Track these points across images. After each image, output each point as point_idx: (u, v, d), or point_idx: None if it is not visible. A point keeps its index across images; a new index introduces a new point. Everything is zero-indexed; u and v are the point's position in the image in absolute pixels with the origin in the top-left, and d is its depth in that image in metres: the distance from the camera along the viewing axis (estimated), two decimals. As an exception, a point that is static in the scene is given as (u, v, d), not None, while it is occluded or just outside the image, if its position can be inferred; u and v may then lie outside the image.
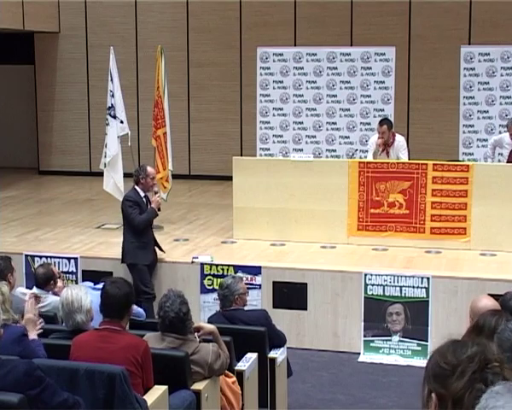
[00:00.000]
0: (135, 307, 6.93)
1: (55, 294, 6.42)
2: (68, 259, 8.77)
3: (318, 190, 9.20)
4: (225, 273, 8.32)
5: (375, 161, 9.43)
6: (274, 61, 11.80)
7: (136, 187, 8.46)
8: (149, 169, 8.58)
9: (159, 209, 8.60)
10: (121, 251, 8.40)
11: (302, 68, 11.71)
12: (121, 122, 10.41)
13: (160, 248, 8.65)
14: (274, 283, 8.31)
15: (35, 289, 6.48)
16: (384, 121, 10.01)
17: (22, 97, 15.84)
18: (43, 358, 4.74)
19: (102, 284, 6.58)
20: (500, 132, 10.67)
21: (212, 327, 5.42)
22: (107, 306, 4.84)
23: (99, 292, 6.29)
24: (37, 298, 5.57)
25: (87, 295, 5.18)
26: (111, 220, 10.48)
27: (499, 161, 10.28)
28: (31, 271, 8.39)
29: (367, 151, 10.27)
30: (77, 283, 8.30)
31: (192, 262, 8.57)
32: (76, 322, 5.04)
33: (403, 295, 7.98)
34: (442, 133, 12.97)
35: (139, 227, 8.25)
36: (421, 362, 7.84)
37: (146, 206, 8.42)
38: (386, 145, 9.89)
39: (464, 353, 2.12)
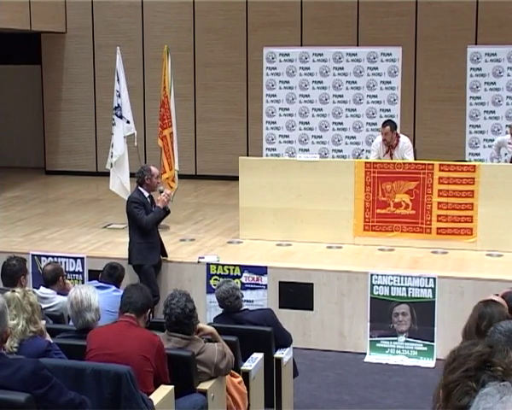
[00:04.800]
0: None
1: (63, 294, 6.44)
2: (75, 259, 8.78)
3: (324, 191, 9.20)
4: (231, 273, 8.34)
5: (381, 162, 9.42)
6: (280, 61, 11.81)
7: (139, 188, 8.46)
8: (153, 169, 8.59)
9: (168, 211, 8.59)
10: (128, 252, 8.41)
11: (308, 68, 11.71)
12: (127, 122, 10.43)
13: (164, 253, 8.64)
14: (280, 283, 8.31)
15: (42, 289, 6.51)
16: (387, 122, 10.01)
17: (29, 97, 15.88)
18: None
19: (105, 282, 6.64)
20: (507, 133, 10.65)
21: (211, 328, 5.44)
22: (126, 302, 4.97)
23: (104, 291, 6.34)
24: None
25: (95, 294, 5.21)
26: (117, 220, 10.49)
27: (506, 161, 10.27)
28: (37, 270, 8.41)
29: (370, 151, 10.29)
30: (83, 282, 8.32)
31: (198, 262, 8.58)
32: (86, 321, 5.08)
33: (409, 295, 7.98)
34: (448, 133, 12.96)
35: (147, 227, 8.26)
36: (428, 363, 7.84)
37: (150, 206, 8.43)
38: (389, 147, 9.88)
39: (467, 349, 2.13)
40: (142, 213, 8.25)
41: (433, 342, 7.91)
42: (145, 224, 8.24)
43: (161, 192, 8.64)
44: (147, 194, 8.47)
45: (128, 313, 4.95)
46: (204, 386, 5.06)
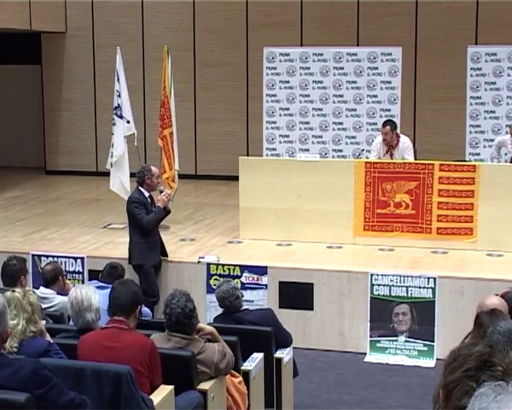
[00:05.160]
0: (141, 307, 6.98)
1: (63, 294, 6.44)
2: (75, 258, 8.78)
3: (325, 190, 9.20)
4: (232, 273, 8.33)
5: (381, 161, 9.42)
6: (280, 61, 11.80)
7: (140, 188, 8.46)
8: (153, 169, 8.58)
9: (168, 210, 8.59)
10: (128, 252, 8.41)
11: (308, 68, 11.71)
12: (128, 122, 10.42)
13: (165, 253, 8.64)
14: (280, 283, 8.31)
15: (42, 289, 6.51)
16: (387, 122, 10.01)
17: (29, 97, 15.88)
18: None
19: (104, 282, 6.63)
20: (507, 133, 10.65)
21: (211, 328, 5.43)
22: (115, 304, 4.86)
23: (104, 291, 6.33)
24: None
25: (96, 294, 5.20)
26: (117, 220, 10.49)
27: (506, 161, 10.27)
28: (37, 270, 8.41)
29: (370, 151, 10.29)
30: (83, 282, 8.32)
31: (198, 262, 8.58)
32: (86, 321, 5.05)
33: (409, 295, 7.98)
34: (448, 133, 12.96)
35: (148, 227, 8.26)
36: (428, 362, 7.84)
37: (151, 206, 8.42)
38: (390, 147, 9.88)
39: (468, 349, 2.13)
40: (142, 213, 8.25)
41: (433, 342, 7.91)
42: (145, 224, 8.24)
43: (161, 192, 8.63)
44: (147, 194, 8.46)
45: (117, 316, 4.82)
46: (204, 386, 5.06)
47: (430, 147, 12.35)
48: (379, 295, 8.04)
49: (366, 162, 9.32)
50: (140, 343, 4.74)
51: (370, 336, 8.10)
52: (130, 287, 4.98)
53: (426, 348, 7.94)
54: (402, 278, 7.99)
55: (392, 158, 9.76)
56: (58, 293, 6.55)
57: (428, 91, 13.29)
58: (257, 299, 8.28)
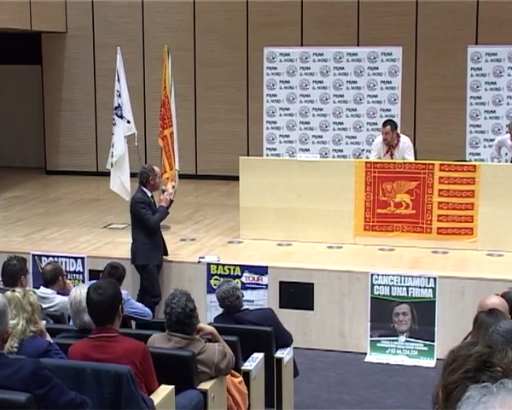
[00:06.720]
0: (141, 306, 6.98)
1: (63, 294, 6.44)
2: (75, 258, 8.78)
3: (325, 190, 9.20)
4: (232, 273, 8.33)
5: (381, 161, 9.42)
6: (281, 61, 11.80)
7: (143, 188, 8.42)
8: (156, 169, 8.58)
9: (171, 201, 8.63)
10: (131, 252, 8.37)
11: (309, 68, 11.70)
12: (128, 122, 10.42)
13: (166, 251, 8.64)
14: (280, 283, 8.31)
15: (42, 289, 6.51)
16: (387, 122, 10.02)
17: (29, 97, 15.88)
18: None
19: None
20: (507, 132, 10.65)
21: (211, 328, 5.43)
22: (96, 314, 4.69)
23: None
24: None
25: None
26: (117, 220, 10.50)
27: (506, 161, 10.27)
28: (38, 270, 8.41)
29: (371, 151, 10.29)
30: (84, 282, 8.32)
31: (198, 262, 8.58)
32: (83, 321, 5.04)
33: (409, 295, 7.98)
34: (449, 133, 12.95)
35: (154, 227, 8.26)
36: (428, 362, 7.84)
37: (154, 206, 8.42)
38: (390, 147, 9.88)
39: (467, 350, 2.13)
40: (149, 213, 8.22)
41: (433, 341, 7.91)
42: (153, 224, 8.23)
43: (163, 192, 8.64)
44: (149, 194, 8.45)
45: (101, 325, 4.66)
46: (204, 386, 5.06)
47: (430, 147, 12.35)
48: (379, 295, 8.04)
49: (366, 162, 9.32)
50: (131, 349, 4.62)
51: (371, 336, 8.10)
52: (105, 293, 4.65)
53: (426, 348, 7.93)
54: (402, 278, 7.99)
55: (392, 158, 9.76)
56: (58, 293, 6.55)
57: (428, 91, 13.29)
58: (257, 299, 8.28)
